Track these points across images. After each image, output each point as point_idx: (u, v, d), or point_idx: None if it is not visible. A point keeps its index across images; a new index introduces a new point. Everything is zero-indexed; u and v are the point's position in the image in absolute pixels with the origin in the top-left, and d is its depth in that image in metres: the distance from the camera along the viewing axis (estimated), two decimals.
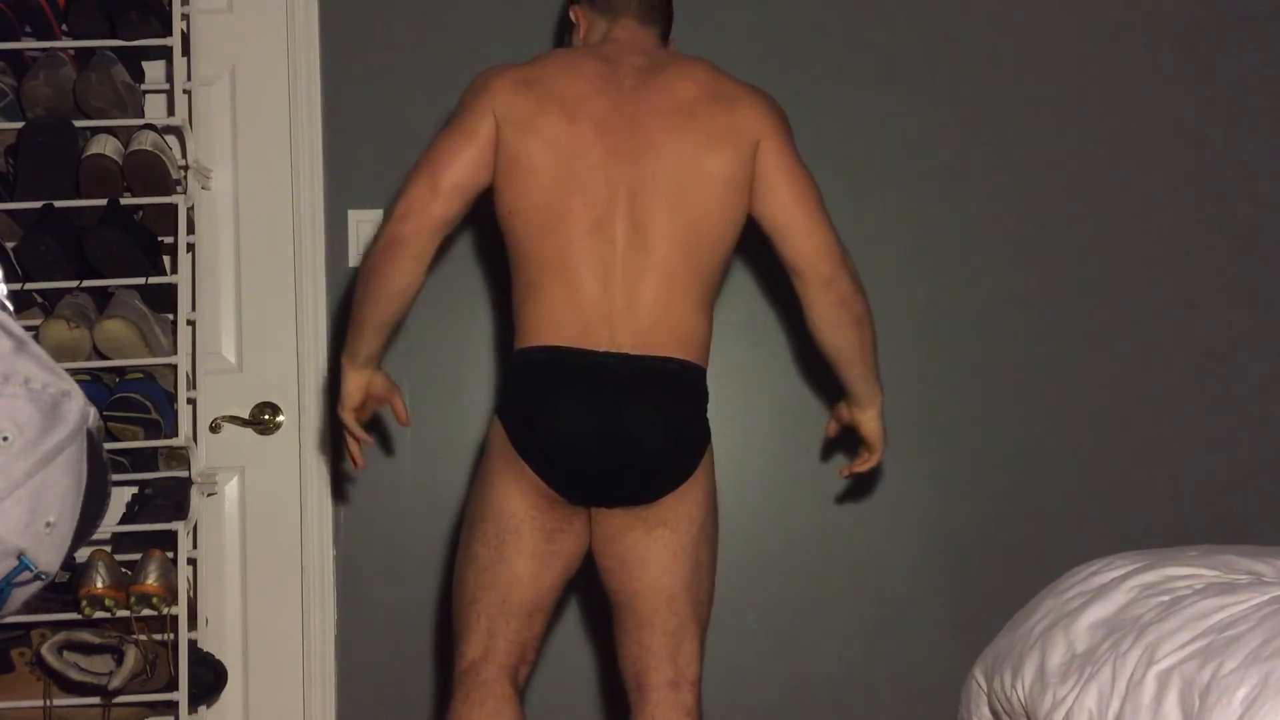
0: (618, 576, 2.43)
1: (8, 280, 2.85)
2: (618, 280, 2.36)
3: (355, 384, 2.49)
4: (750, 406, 3.20)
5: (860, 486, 3.18)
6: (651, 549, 2.40)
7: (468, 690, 2.38)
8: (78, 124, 2.88)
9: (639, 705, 2.42)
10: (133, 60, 3.03)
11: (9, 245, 2.90)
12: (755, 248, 3.20)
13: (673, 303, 2.38)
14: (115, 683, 2.70)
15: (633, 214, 2.37)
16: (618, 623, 2.46)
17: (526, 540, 2.38)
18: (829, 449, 3.17)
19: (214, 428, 3.08)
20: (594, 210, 2.37)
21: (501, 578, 2.38)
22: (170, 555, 2.83)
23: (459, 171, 2.38)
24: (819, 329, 2.50)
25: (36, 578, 1.20)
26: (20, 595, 1.21)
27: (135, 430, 2.83)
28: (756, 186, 2.44)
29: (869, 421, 2.62)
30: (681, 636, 2.42)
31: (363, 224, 3.14)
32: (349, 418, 2.52)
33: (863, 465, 2.68)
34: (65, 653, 2.73)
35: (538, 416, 2.36)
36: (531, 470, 2.35)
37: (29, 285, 2.87)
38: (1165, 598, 1.96)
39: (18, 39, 2.94)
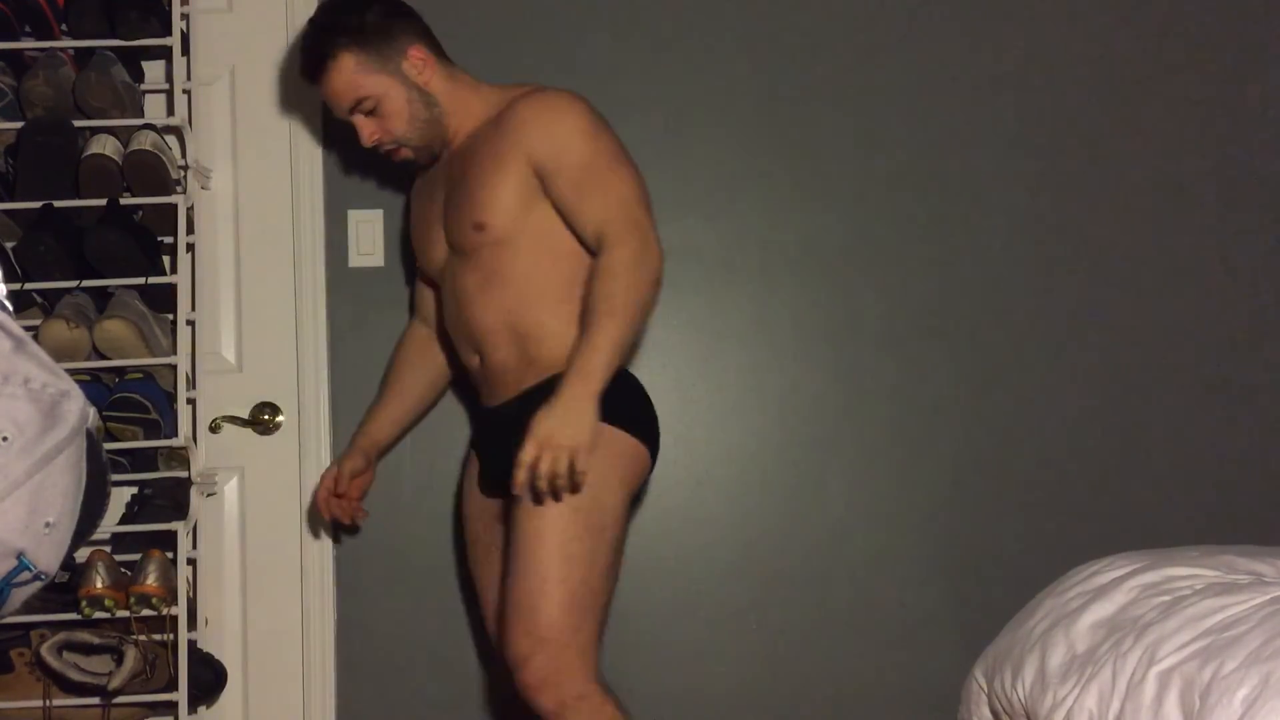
0: None
1: (8, 280, 2.85)
2: None
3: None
4: (752, 408, 3.19)
5: (861, 487, 3.18)
6: None
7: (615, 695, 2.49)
8: (78, 124, 2.88)
9: None
10: (132, 60, 3.03)
11: (9, 245, 2.90)
12: (758, 251, 3.19)
13: None
14: (115, 683, 2.70)
15: None
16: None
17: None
18: (831, 450, 3.17)
19: (214, 428, 3.08)
20: None
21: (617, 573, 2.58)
22: (170, 555, 2.83)
23: None
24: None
25: (36, 578, 1.20)
26: (20, 595, 1.21)
27: (135, 430, 2.83)
28: None
29: None
30: None
31: (362, 224, 3.14)
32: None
33: None
34: (65, 653, 2.73)
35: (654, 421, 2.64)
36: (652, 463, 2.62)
37: (29, 285, 2.86)
38: (1166, 598, 1.95)
39: (18, 39, 2.94)
